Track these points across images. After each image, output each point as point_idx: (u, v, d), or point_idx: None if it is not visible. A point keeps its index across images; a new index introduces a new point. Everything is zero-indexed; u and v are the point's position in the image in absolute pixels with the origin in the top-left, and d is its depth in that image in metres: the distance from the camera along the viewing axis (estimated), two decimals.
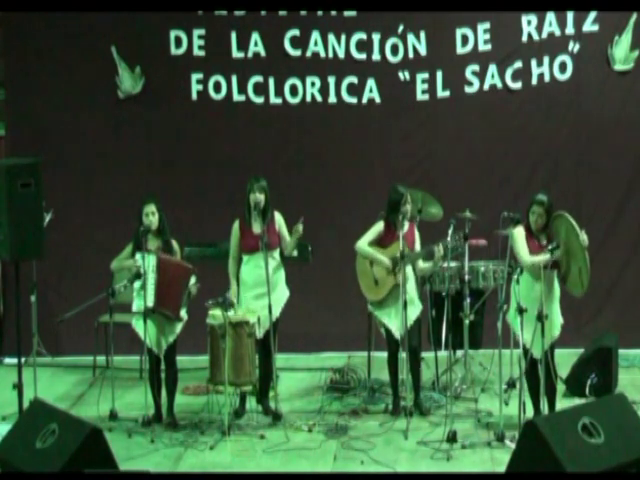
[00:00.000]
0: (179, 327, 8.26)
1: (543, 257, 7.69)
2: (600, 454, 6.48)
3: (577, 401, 8.43)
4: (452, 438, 7.70)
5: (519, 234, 7.85)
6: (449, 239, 8.19)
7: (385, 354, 8.55)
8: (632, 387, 8.93)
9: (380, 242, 8.43)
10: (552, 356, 7.86)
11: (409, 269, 8.35)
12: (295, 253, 8.70)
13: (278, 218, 8.43)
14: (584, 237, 7.67)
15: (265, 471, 7.35)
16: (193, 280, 8.21)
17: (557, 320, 7.94)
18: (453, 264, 8.77)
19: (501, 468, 6.95)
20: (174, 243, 8.34)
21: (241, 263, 8.41)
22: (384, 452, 7.67)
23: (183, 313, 8.22)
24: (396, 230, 8.36)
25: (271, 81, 10.30)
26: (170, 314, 8.15)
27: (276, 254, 8.40)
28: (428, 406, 8.49)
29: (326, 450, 7.74)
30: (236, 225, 8.41)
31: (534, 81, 10.21)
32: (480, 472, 7.23)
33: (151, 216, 8.19)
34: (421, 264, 8.46)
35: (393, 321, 8.35)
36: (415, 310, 8.42)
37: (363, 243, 8.41)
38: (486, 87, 10.23)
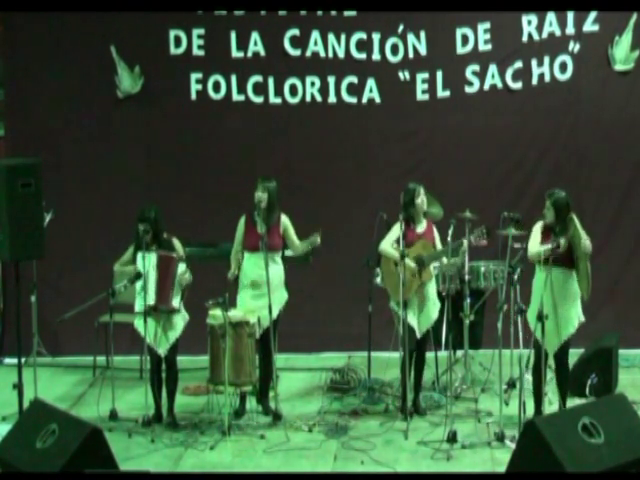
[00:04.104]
0: (180, 325, 8.24)
1: (545, 247, 7.70)
2: (600, 454, 6.49)
3: (577, 401, 8.42)
4: (452, 438, 7.70)
5: (536, 227, 7.90)
6: (472, 236, 8.19)
7: (384, 354, 8.53)
8: (632, 387, 8.93)
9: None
10: (566, 352, 7.93)
11: (430, 268, 8.35)
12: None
13: (284, 221, 8.40)
14: (586, 244, 7.66)
15: (265, 471, 7.35)
16: (182, 269, 8.17)
17: (573, 317, 7.93)
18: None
19: (501, 468, 6.96)
20: (175, 242, 8.31)
21: (242, 259, 8.40)
22: (384, 452, 7.67)
23: (176, 303, 8.16)
24: (415, 226, 8.37)
25: (271, 81, 10.29)
26: (164, 307, 8.13)
27: (277, 257, 8.39)
28: (424, 406, 8.49)
29: (326, 450, 7.74)
30: (242, 220, 8.40)
31: (534, 81, 10.21)
32: (480, 472, 7.24)
33: (145, 234, 8.14)
34: (446, 261, 8.43)
35: (416, 320, 8.34)
36: (436, 309, 8.44)
37: (386, 245, 8.38)
38: (486, 87, 10.22)
